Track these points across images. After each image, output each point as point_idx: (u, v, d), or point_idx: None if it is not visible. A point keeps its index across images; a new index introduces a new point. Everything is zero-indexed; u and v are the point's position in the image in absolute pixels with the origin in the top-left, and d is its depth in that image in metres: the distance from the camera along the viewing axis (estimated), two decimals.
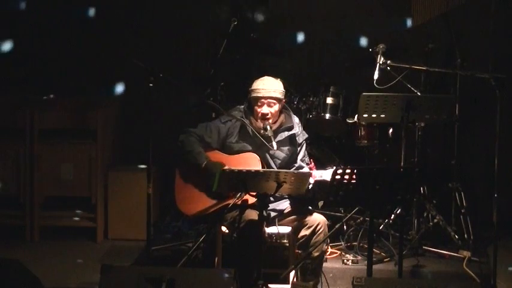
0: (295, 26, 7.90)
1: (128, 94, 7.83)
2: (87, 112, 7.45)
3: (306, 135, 6.22)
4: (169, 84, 6.00)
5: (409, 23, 7.67)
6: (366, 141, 7.12)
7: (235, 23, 7.07)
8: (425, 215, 6.99)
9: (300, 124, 6.21)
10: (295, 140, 6.12)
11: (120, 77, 7.84)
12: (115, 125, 7.81)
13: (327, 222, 5.96)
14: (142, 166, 7.09)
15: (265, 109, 5.97)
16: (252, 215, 5.76)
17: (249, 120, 6.01)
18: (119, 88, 7.52)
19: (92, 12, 7.97)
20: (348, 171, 5.23)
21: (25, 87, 7.95)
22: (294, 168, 6.06)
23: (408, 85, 6.71)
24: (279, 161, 6.06)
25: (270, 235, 5.97)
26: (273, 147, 5.91)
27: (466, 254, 6.74)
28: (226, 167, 5.51)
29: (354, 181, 5.25)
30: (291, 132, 6.08)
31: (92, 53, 7.95)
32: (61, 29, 7.97)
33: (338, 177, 5.24)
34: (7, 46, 7.77)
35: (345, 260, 6.67)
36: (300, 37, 7.90)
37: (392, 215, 6.96)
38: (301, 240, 5.93)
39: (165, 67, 6.58)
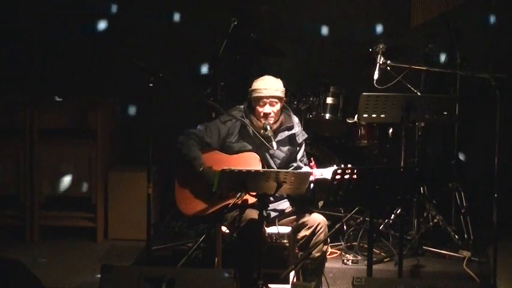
0: (296, 25, 7.90)
1: (127, 94, 7.82)
2: (87, 112, 7.45)
3: (306, 135, 6.22)
4: (169, 84, 5.99)
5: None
6: (366, 141, 7.13)
7: (235, 23, 7.07)
8: (425, 215, 6.99)
9: (299, 124, 6.21)
10: (295, 139, 6.12)
11: (120, 77, 7.83)
12: (115, 125, 7.81)
13: (327, 222, 5.97)
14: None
15: (267, 108, 5.97)
16: (252, 214, 5.76)
17: (249, 120, 6.01)
18: (204, 69, 7.51)
19: (92, 12, 7.97)
20: (347, 171, 5.23)
21: (25, 87, 7.95)
22: (292, 168, 6.05)
23: (408, 85, 6.71)
24: (279, 161, 6.06)
25: (270, 235, 5.98)
26: (273, 147, 5.91)
27: (466, 254, 6.74)
28: (226, 167, 5.50)
29: (354, 181, 5.25)
30: (290, 132, 6.08)
31: (92, 53, 7.95)
32: (61, 28, 7.97)
33: (338, 177, 5.24)
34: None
35: (345, 260, 6.67)
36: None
37: (392, 215, 6.96)
38: (301, 241, 5.93)
39: (165, 67, 6.58)
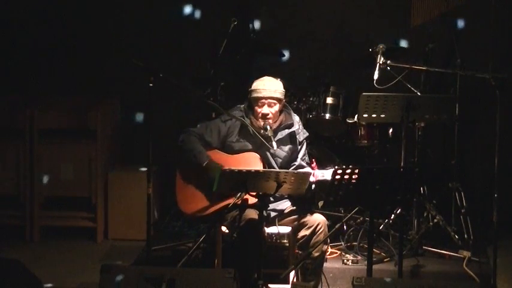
0: (296, 26, 7.91)
1: (128, 94, 7.82)
2: (87, 112, 7.45)
3: (307, 134, 6.20)
4: (169, 84, 5.99)
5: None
6: (365, 141, 7.13)
7: (235, 23, 7.07)
8: (425, 215, 6.99)
9: (300, 122, 6.21)
10: (296, 138, 6.11)
11: (120, 77, 7.83)
12: (115, 125, 7.81)
13: (327, 222, 5.96)
14: (143, 168, 7.06)
15: (265, 109, 5.97)
16: (252, 214, 5.76)
17: (249, 120, 6.01)
18: (286, 55, 7.52)
19: (92, 12, 7.97)
20: (348, 171, 5.23)
21: (25, 87, 7.95)
22: (293, 167, 6.05)
23: (408, 85, 6.71)
24: (280, 160, 6.06)
25: (270, 235, 5.98)
26: (272, 147, 5.91)
27: (466, 254, 6.74)
28: (226, 168, 5.51)
29: (354, 181, 5.25)
30: (291, 130, 6.08)
31: (92, 53, 7.95)
32: (61, 29, 7.97)
33: (338, 177, 5.24)
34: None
35: (345, 260, 6.67)
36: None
37: (393, 215, 6.96)
38: (301, 241, 5.93)
39: (165, 67, 6.58)
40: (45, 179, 7.33)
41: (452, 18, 7.30)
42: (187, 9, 7.83)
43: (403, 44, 7.25)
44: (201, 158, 5.92)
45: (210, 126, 6.07)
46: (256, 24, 7.75)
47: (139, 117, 7.20)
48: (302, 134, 6.16)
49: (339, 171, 5.24)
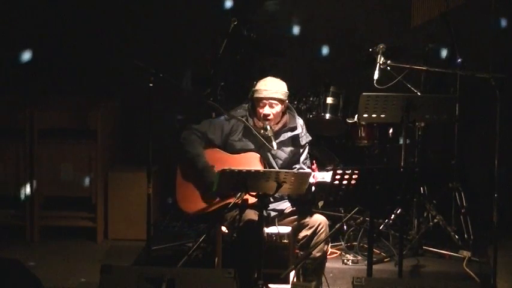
0: (296, 26, 7.91)
1: (128, 94, 7.82)
2: (87, 112, 7.45)
3: (310, 138, 6.18)
4: (169, 84, 5.99)
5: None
6: (366, 141, 7.13)
7: (235, 23, 7.07)
8: (425, 215, 6.99)
9: (304, 126, 6.18)
10: (298, 141, 6.10)
11: (120, 77, 7.83)
12: (115, 125, 7.81)
13: (328, 222, 5.96)
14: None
15: (266, 110, 5.96)
16: (252, 215, 5.76)
17: (252, 120, 6.01)
18: (324, 50, 7.54)
19: (92, 12, 7.97)
20: (348, 171, 5.22)
21: (25, 87, 7.95)
22: (295, 169, 6.04)
23: (408, 85, 6.71)
24: (281, 161, 6.05)
25: (270, 235, 5.97)
26: (273, 147, 5.91)
27: (466, 254, 6.74)
28: (226, 167, 5.50)
29: (354, 181, 5.25)
30: (294, 133, 6.07)
31: (92, 53, 7.95)
32: (61, 28, 7.97)
33: (338, 177, 5.24)
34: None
35: (345, 260, 6.68)
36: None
37: (393, 215, 6.96)
38: (302, 241, 5.93)
39: (165, 67, 6.58)
40: (87, 181, 7.33)
41: (452, 17, 7.30)
42: (228, 3, 7.82)
43: (444, 53, 7.26)
44: (198, 161, 5.91)
45: (213, 123, 6.07)
46: (296, 30, 7.77)
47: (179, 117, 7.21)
48: (305, 138, 6.14)
49: (339, 172, 5.24)
